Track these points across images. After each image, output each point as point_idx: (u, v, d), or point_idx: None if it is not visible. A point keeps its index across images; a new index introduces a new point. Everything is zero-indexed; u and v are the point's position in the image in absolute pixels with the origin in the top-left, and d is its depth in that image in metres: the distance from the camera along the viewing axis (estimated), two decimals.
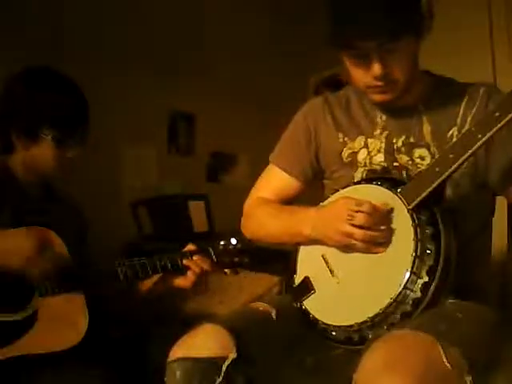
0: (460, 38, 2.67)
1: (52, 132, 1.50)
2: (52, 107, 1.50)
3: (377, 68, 1.19)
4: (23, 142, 1.52)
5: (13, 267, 1.34)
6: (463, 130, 1.25)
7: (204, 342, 1.12)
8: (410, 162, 1.29)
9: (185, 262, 1.45)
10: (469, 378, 0.94)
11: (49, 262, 1.38)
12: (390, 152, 1.32)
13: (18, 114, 1.51)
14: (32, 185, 1.58)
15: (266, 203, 1.45)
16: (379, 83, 1.22)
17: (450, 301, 1.13)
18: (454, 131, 1.28)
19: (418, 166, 1.28)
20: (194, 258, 1.46)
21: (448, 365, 0.94)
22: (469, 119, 1.27)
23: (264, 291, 1.98)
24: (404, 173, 1.29)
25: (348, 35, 1.17)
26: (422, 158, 1.28)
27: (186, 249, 1.49)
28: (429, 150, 1.28)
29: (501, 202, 1.39)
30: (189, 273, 1.46)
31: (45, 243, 1.39)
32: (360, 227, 1.14)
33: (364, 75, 1.22)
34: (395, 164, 1.31)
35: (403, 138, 1.31)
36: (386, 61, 1.19)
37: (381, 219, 1.15)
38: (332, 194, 1.32)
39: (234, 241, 1.52)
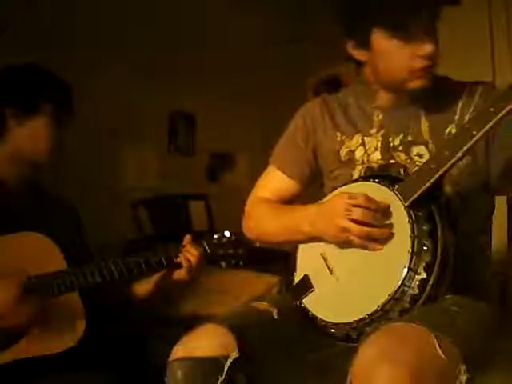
0: (460, 37, 2.67)
1: (51, 105, 1.52)
2: (50, 82, 1.55)
3: (429, 45, 1.20)
4: (19, 118, 1.51)
5: None
6: None
7: (205, 342, 1.11)
8: (409, 160, 1.29)
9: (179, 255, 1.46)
10: (463, 368, 0.95)
11: (32, 307, 1.35)
12: (386, 150, 1.31)
13: (17, 88, 1.53)
14: (19, 185, 1.55)
15: (266, 203, 1.45)
16: (428, 63, 1.22)
17: (447, 296, 1.13)
18: (451, 128, 1.27)
19: (417, 163, 1.27)
20: (188, 247, 1.47)
21: (442, 355, 0.94)
22: (466, 118, 1.26)
23: (264, 291, 1.98)
24: (402, 170, 1.29)
25: (403, 11, 1.18)
26: (421, 156, 1.28)
27: (184, 240, 1.49)
28: (427, 147, 1.28)
29: (501, 202, 1.39)
30: (183, 262, 1.46)
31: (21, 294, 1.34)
32: (357, 223, 1.15)
33: (410, 58, 1.22)
34: (392, 161, 1.30)
35: (401, 136, 1.31)
36: (432, 41, 1.21)
37: (378, 215, 1.15)
38: (330, 192, 1.32)
39: (227, 233, 1.53)
